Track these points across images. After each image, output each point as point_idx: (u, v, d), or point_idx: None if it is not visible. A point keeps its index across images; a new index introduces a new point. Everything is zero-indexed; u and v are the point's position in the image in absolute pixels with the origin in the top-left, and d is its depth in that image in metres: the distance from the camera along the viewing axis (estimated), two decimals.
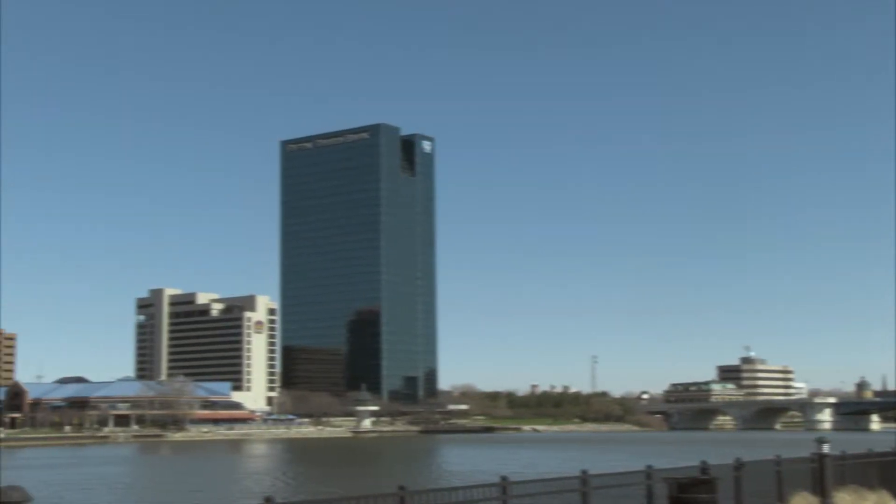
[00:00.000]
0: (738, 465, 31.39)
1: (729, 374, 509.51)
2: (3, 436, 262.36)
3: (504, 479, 22.55)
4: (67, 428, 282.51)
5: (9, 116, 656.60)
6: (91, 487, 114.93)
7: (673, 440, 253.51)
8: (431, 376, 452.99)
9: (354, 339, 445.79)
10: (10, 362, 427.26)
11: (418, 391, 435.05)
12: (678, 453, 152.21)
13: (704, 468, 28.49)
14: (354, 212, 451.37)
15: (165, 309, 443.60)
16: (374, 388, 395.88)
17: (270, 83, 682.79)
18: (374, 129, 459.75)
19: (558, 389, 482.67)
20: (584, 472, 25.34)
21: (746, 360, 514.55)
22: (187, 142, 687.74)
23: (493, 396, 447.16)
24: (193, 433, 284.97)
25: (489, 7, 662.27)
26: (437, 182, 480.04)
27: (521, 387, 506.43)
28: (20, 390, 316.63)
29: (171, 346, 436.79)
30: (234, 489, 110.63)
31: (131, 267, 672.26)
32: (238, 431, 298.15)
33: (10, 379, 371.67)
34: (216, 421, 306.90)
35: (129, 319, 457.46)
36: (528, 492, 23.05)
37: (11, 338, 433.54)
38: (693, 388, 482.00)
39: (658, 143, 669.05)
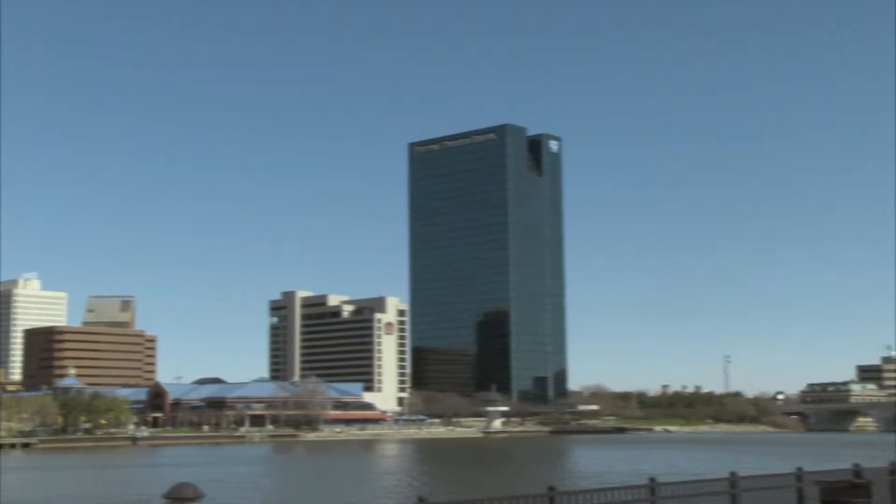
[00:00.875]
0: (894, 469, 29.61)
1: (869, 373, 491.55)
2: (146, 434, 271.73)
3: (652, 480, 21.72)
4: (206, 427, 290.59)
5: (149, 132, 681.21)
6: (237, 486, 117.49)
7: (813, 442, 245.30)
8: (561, 376, 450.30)
9: (483, 340, 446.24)
10: (152, 364, 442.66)
11: (548, 391, 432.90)
12: (821, 456, 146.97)
13: (857, 471, 26.95)
14: (482, 212, 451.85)
15: (298, 311, 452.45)
16: (504, 388, 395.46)
17: (398, 87, 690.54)
18: (501, 130, 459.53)
19: (690, 390, 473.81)
20: (732, 473, 24.23)
21: (888, 360, 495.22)
22: (318, 147, 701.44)
23: (624, 397, 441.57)
24: (326, 433, 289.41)
25: (617, 6, 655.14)
26: (565, 181, 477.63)
27: (652, 387, 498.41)
28: (161, 391, 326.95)
29: (303, 347, 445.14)
30: (372, 488, 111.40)
31: (265, 270, 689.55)
32: (370, 432, 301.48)
33: (152, 380, 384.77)
34: (348, 421, 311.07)
35: (263, 321, 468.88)
36: (676, 493, 22.14)
37: (152, 340, 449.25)
38: (831, 389, 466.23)
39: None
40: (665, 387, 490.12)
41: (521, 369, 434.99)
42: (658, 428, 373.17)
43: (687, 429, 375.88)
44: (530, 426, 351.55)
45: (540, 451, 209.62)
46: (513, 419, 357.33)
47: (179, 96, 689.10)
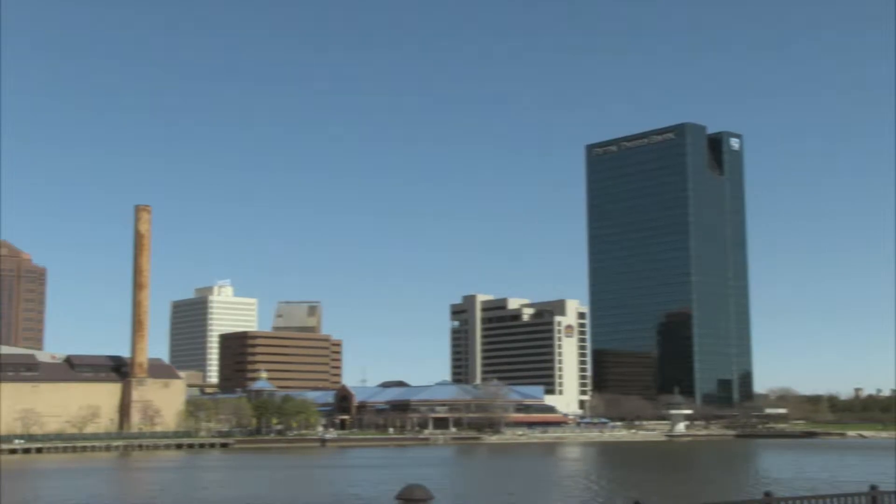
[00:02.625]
0: None
1: None
2: (334, 436, 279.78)
3: (874, 487, 20.97)
4: (391, 430, 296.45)
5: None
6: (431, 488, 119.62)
7: None
8: (746, 379, 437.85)
9: (665, 342, 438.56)
10: (337, 367, 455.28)
11: (733, 395, 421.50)
12: None
13: None
14: (661, 213, 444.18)
15: (478, 314, 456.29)
16: (687, 391, 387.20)
17: (574, 90, 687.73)
18: (680, 129, 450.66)
19: (885, 393, 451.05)
20: None
21: None
22: (496, 151, 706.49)
23: (814, 400, 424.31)
24: (508, 436, 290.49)
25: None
26: (747, 180, 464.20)
27: (844, 390, 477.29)
28: (347, 394, 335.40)
29: (484, 350, 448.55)
30: (562, 491, 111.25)
31: (446, 275, 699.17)
32: (552, 435, 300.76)
33: (338, 383, 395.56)
34: (530, 424, 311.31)
35: (445, 325, 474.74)
36: None
37: (338, 344, 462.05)
38: None
39: None
40: (858, 390, 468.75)
41: (705, 372, 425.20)
42: (851, 433, 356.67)
43: (884, 434, 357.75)
44: (715, 430, 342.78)
45: (727, 455, 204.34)
46: (697, 423, 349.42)
47: (367, 112, 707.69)
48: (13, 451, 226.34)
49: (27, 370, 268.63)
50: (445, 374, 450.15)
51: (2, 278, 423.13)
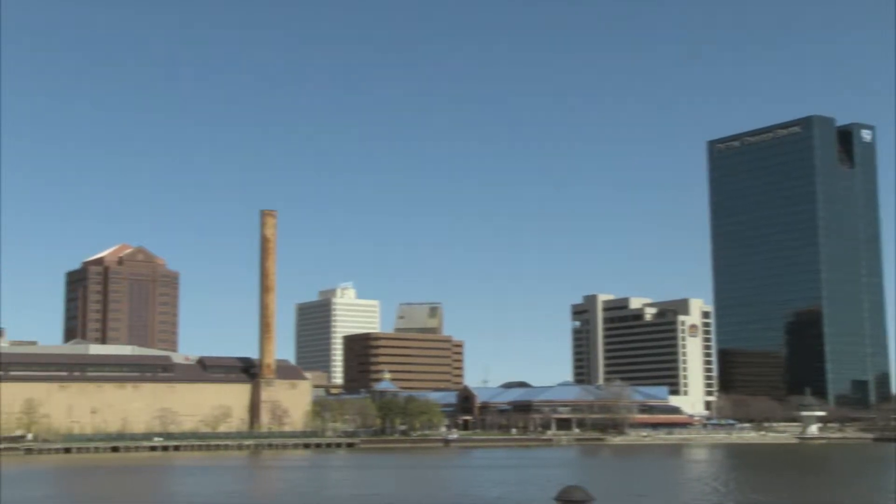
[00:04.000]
0: None
1: None
2: (457, 436, 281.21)
3: None
4: (513, 430, 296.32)
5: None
6: (549, 488, 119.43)
7: None
8: (883, 380, 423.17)
9: (794, 342, 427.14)
10: (459, 368, 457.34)
11: (869, 396, 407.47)
12: None
13: None
14: (788, 209, 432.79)
15: (599, 314, 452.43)
16: (819, 392, 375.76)
17: (694, 85, 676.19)
18: (807, 122, 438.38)
19: None
20: None
21: None
22: (616, 149, 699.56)
23: None
24: (633, 437, 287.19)
25: None
26: (880, 173, 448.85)
27: None
28: (469, 394, 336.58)
29: (606, 350, 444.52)
30: (692, 493, 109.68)
31: (567, 275, 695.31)
32: (677, 436, 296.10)
33: (460, 384, 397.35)
34: (654, 425, 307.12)
35: (566, 325, 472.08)
36: None
37: (459, 345, 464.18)
38: None
39: None
40: None
41: (838, 372, 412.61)
42: None
43: None
44: (851, 433, 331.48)
45: (864, 458, 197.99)
46: (830, 425, 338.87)
47: (486, 115, 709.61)
48: (153, 449, 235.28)
49: (164, 371, 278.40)
50: (567, 374, 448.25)
51: (139, 283, 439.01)
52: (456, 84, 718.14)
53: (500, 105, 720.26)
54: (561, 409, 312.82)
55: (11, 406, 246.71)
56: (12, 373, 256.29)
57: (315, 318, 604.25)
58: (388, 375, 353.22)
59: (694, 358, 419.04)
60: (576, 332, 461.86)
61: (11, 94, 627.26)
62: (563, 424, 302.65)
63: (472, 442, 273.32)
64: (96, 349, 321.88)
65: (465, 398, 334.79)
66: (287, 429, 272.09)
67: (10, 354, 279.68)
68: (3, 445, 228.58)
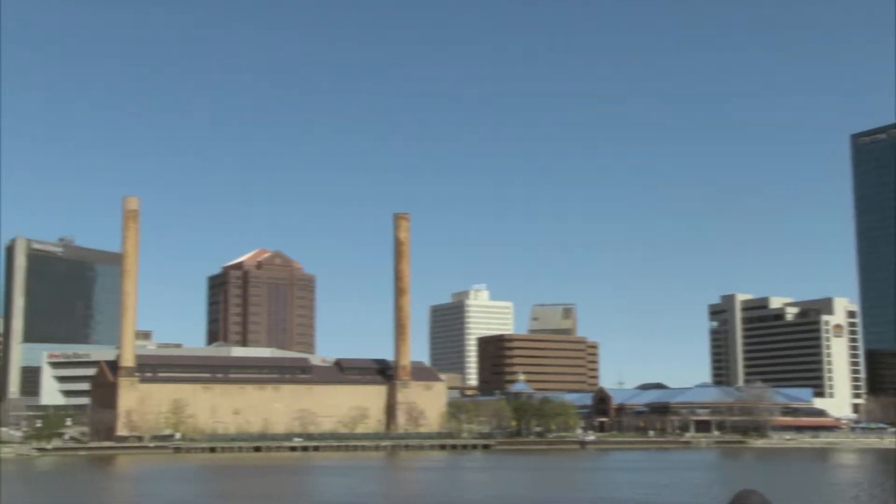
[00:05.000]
0: None
1: None
2: (593, 438, 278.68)
3: None
4: (651, 433, 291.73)
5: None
6: (689, 491, 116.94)
7: None
8: None
9: None
10: (594, 369, 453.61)
11: None
12: None
13: None
14: None
15: (738, 314, 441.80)
16: None
17: (837, 75, 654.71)
18: None
19: None
20: None
21: None
22: (754, 144, 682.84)
23: None
24: (776, 440, 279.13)
25: None
26: None
27: None
28: (605, 396, 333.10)
29: (745, 351, 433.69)
30: (846, 499, 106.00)
31: (704, 274, 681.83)
32: (823, 440, 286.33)
33: (595, 385, 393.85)
34: (798, 428, 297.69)
35: (703, 325, 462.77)
36: None
37: (594, 346, 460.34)
38: None
39: None
40: None
41: None
42: None
43: None
44: None
45: None
46: None
47: (615, 115, 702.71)
48: (293, 449, 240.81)
49: (302, 373, 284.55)
50: (705, 375, 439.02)
51: (277, 287, 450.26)
52: (595, 84, 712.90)
53: (635, 105, 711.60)
54: (699, 410, 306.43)
55: (160, 406, 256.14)
56: (160, 374, 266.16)
57: (449, 319, 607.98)
58: (522, 377, 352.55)
59: (839, 359, 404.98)
60: (713, 332, 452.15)
61: (165, 107, 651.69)
62: (702, 426, 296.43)
63: (609, 444, 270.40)
64: (238, 352, 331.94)
65: (601, 400, 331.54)
66: (423, 430, 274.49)
67: (157, 357, 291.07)
68: (153, 444, 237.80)
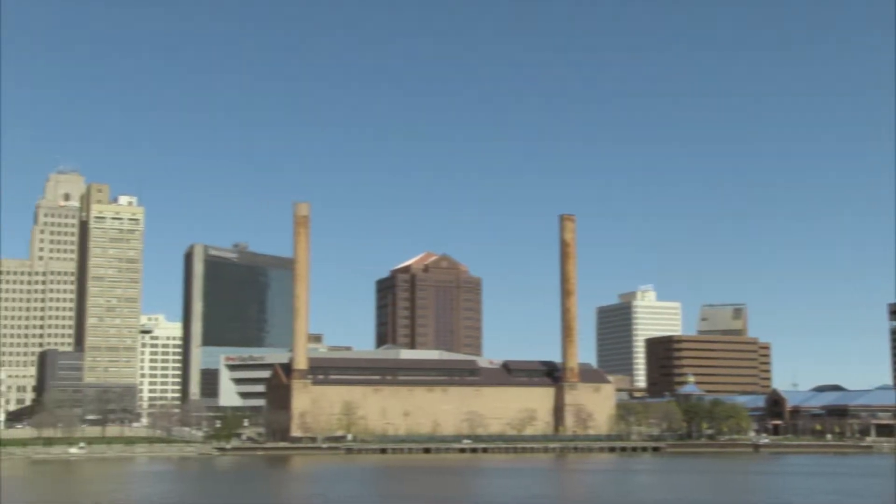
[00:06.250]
0: None
1: None
2: (767, 441, 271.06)
3: None
4: (828, 436, 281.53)
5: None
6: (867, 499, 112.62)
7: None
8: None
9: None
10: (767, 371, 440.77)
11: None
12: None
13: None
14: None
15: None
16: None
17: None
18: None
19: None
20: None
21: None
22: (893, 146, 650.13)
23: None
24: None
25: None
26: None
27: None
28: (779, 398, 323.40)
29: None
30: None
31: (882, 272, 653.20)
32: None
33: (767, 387, 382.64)
34: None
35: (882, 325, 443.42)
36: None
37: (766, 347, 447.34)
38: None
39: None
40: None
41: None
42: None
43: None
44: None
45: None
46: None
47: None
48: (462, 451, 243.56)
49: (470, 375, 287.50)
50: (886, 377, 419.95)
51: (444, 290, 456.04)
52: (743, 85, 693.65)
53: (782, 101, 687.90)
54: (881, 414, 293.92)
55: (332, 407, 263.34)
56: (332, 376, 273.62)
57: (615, 321, 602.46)
58: (692, 378, 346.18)
59: None
60: (894, 332, 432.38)
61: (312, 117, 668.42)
62: (884, 430, 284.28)
63: (784, 447, 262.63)
64: (406, 354, 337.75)
65: (775, 402, 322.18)
66: (591, 432, 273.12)
67: (329, 359, 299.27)
68: (326, 445, 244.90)
